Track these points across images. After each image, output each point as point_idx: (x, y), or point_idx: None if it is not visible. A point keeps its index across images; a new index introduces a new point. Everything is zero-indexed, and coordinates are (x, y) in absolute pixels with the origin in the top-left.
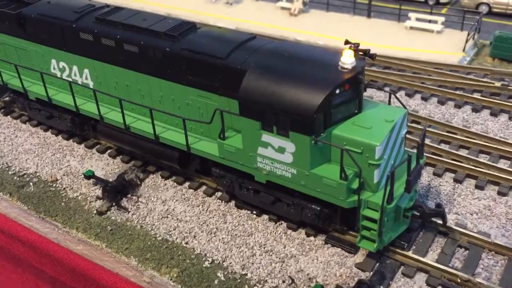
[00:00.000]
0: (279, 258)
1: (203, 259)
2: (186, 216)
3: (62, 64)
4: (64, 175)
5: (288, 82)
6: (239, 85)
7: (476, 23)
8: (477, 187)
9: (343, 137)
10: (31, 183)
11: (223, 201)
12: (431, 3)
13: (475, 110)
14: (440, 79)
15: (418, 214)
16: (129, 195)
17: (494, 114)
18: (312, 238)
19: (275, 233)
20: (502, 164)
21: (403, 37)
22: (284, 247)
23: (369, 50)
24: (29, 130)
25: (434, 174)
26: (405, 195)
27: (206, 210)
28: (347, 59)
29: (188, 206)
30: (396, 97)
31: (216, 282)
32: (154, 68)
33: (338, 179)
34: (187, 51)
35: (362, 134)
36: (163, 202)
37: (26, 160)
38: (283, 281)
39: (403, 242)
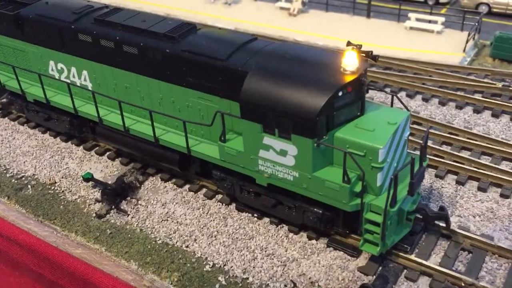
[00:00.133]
0: (281, 262)
1: (204, 263)
2: (187, 219)
3: (60, 65)
4: (62, 177)
5: (290, 84)
6: (240, 87)
7: (477, 23)
8: (480, 189)
9: (345, 140)
10: (29, 186)
11: (223, 204)
12: (430, 3)
13: (477, 111)
14: (441, 80)
15: (421, 217)
16: (128, 198)
17: (495, 115)
18: (314, 241)
19: (277, 236)
20: (505, 166)
21: (403, 38)
22: (286, 251)
23: (372, 51)
24: (27, 132)
25: (436, 176)
26: (408, 198)
27: (207, 213)
28: (350, 61)
29: (188, 209)
30: (399, 99)
31: (217, 286)
32: (154, 69)
33: (341, 182)
34: (188, 52)
35: (365, 137)
36: (163, 205)
37: (24, 162)
38: (285, 285)
39: (406, 245)
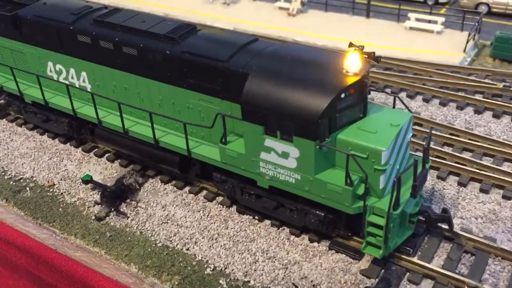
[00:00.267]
0: (282, 265)
1: (205, 266)
2: (187, 221)
3: (59, 66)
4: (61, 179)
5: (292, 85)
6: (241, 88)
7: (477, 24)
8: (482, 190)
9: (348, 142)
10: (27, 188)
11: (224, 206)
12: (430, 3)
13: (478, 111)
14: (441, 80)
15: (423, 219)
16: (128, 200)
17: (496, 115)
18: (315, 244)
19: (278, 238)
20: (506, 167)
21: (403, 38)
22: (287, 253)
23: (374, 53)
24: (25, 133)
25: (438, 177)
26: (410, 200)
27: (207, 216)
28: (352, 62)
29: (188, 211)
30: (401, 101)
31: None
32: (154, 71)
33: (343, 184)
34: (188, 54)
35: (367, 139)
36: (163, 207)
37: (22, 164)
38: None
39: (408, 248)
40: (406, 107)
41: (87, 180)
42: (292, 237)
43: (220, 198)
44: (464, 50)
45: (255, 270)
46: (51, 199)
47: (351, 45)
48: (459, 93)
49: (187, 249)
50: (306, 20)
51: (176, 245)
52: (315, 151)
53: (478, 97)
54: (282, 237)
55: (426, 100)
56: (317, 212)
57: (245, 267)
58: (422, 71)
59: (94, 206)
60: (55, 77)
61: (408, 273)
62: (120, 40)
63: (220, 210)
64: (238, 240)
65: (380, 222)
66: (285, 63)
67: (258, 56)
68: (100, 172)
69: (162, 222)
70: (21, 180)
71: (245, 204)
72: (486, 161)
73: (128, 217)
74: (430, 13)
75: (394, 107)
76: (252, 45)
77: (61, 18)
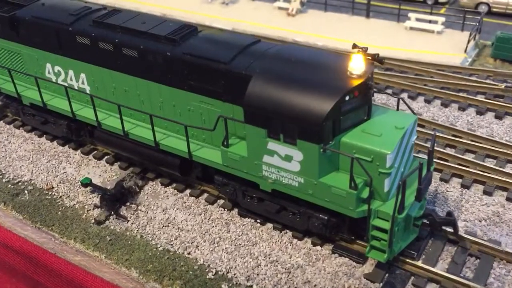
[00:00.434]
0: (285, 269)
1: (207, 270)
2: (188, 225)
3: (57, 68)
4: (60, 182)
5: (295, 88)
6: (244, 91)
7: (477, 24)
8: (485, 192)
9: (352, 145)
10: (26, 191)
11: (225, 209)
12: (429, 2)
13: (480, 112)
14: (443, 81)
15: (428, 222)
16: (128, 204)
17: (498, 116)
18: (318, 247)
19: (280, 242)
20: (509, 168)
21: (403, 38)
22: (290, 257)
23: (378, 54)
24: (23, 135)
25: (441, 179)
26: (415, 204)
27: (208, 219)
28: (357, 64)
29: (189, 214)
30: (406, 103)
31: None
32: (154, 73)
33: (347, 188)
34: (189, 55)
35: (372, 142)
36: (163, 211)
37: (21, 167)
38: None
39: (412, 252)
40: (410, 109)
41: (87, 183)
42: (295, 240)
43: (221, 201)
44: (465, 51)
45: (257, 274)
46: (50, 203)
47: (354, 46)
48: (461, 94)
49: (189, 253)
50: (306, 20)
51: (177, 249)
52: (319, 155)
53: (480, 98)
54: (285, 240)
55: (427, 101)
56: (320, 215)
57: (247, 271)
58: (423, 71)
59: (93, 209)
60: (53, 78)
61: (412, 277)
62: (120, 42)
63: (222, 213)
64: (240, 244)
65: (384, 225)
66: (288, 65)
67: (260, 58)
68: (100, 175)
69: (163, 226)
70: (19, 183)
71: (247, 207)
72: (489, 163)
73: (128, 221)
74: (431, 13)
75: (397, 109)
76: (254, 46)
77: (59, 19)
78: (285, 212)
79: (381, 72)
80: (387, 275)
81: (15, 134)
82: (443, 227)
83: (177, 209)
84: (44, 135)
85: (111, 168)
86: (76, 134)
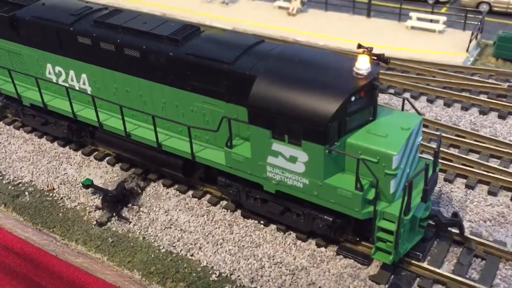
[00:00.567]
0: (289, 271)
1: (210, 272)
2: (191, 226)
3: (58, 68)
4: (61, 183)
5: (300, 88)
6: (248, 91)
7: (479, 23)
8: (490, 193)
9: (358, 146)
10: (26, 193)
11: (228, 211)
12: (430, 2)
13: (483, 112)
14: (445, 81)
15: (433, 223)
16: (129, 205)
17: (502, 116)
18: (323, 249)
19: (284, 244)
20: None
21: (404, 37)
22: (294, 259)
23: (383, 54)
24: (23, 136)
25: (445, 180)
26: (421, 205)
27: (211, 220)
28: (362, 65)
29: (192, 216)
30: (411, 103)
31: None
32: (157, 73)
33: (353, 189)
34: (192, 56)
35: (378, 143)
36: (165, 212)
37: (21, 168)
38: None
39: (418, 253)
40: (416, 109)
41: (88, 184)
42: (299, 242)
43: (224, 202)
44: (467, 50)
45: (261, 276)
46: (51, 204)
47: (360, 46)
48: (463, 94)
49: (192, 255)
50: (306, 19)
51: (180, 250)
52: (324, 156)
53: (482, 97)
54: (289, 242)
55: (430, 101)
56: (325, 217)
57: (251, 273)
58: (425, 71)
59: (95, 211)
60: (54, 79)
61: (418, 279)
62: (122, 42)
63: (225, 215)
64: (243, 246)
65: (390, 227)
66: (293, 65)
67: (264, 58)
68: (101, 176)
69: (165, 227)
70: (20, 185)
71: (250, 208)
72: (493, 163)
73: (130, 222)
74: (432, 12)
75: (402, 109)
76: (258, 46)
77: (60, 19)
78: (289, 213)
79: (383, 72)
80: (392, 276)
81: (15, 135)
82: (449, 228)
83: (180, 210)
84: (44, 136)
85: (112, 169)
86: (77, 135)
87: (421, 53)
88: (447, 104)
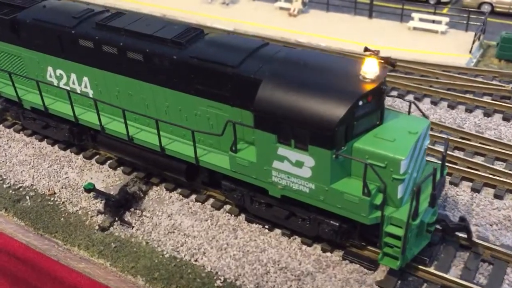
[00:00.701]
0: (295, 276)
1: (215, 277)
2: (194, 231)
3: (59, 71)
4: (62, 188)
5: (307, 92)
6: (253, 95)
7: (482, 24)
8: (496, 196)
9: (365, 151)
10: (27, 197)
11: (232, 215)
12: (432, 2)
13: (487, 114)
14: (449, 82)
15: (440, 228)
16: (132, 209)
17: (506, 118)
18: (328, 254)
19: (289, 248)
20: None
21: (407, 38)
22: (300, 264)
23: (390, 57)
24: (23, 140)
25: (451, 183)
26: (428, 209)
27: (215, 225)
28: (370, 68)
29: (195, 220)
30: (417, 107)
31: None
32: (160, 76)
33: (360, 194)
34: (196, 59)
35: (385, 147)
36: (168, 216)
37: (21, 172)
38: None
39: (424, 258)
40: (423, 113)
41: (90, 188)
42: (304, 246)
43: (228, 207)
44: (470, 51)
45: (266, 282)
46: (52, 209)
47: (366, 49)
48: (467, 95)
49: (196, 260)
50: (307, 20)
51: (184, 256)
52: (331, 161)
53: (486, 99)
54: (294, 246)
55: (434, 103)
56: (331, 222)
57: (256, 279)
58: (428, 72)
59: (97, 215)
60: (55, 82)
61: (425, 284)
62: (124, 45)
63: (229, 219)
64: (248, 250)
65: (398, 232)
66: (299, 69)
67: (270, 62)
68: (103, 180)
69: (169, 232)
70: (21, 189)
71: (255, 213)
72: (499, 166)
73: (133, 227)
74: (434, 13)
75: (409, 113)
76: (263, 49)
77: (62, 22)
78: (294, 218)
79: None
80: (399, 282)
81: (15, 139)
82: (456, 233)
83: (183, 214)
84: (45, 140)
85: (114, 173)
86: (78, 138)
87: (424, 54)
88: (451, 106)
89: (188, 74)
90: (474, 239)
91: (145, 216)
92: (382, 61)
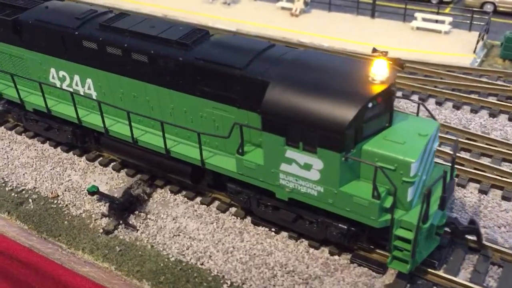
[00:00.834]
0: (303, 279)
1: (221, 281)
2: (200, 234)
3: (62, 73)
4: (65, 190)
5: (316, 94)
6: (260, 97)
7: (486, 23)
8: (504, 198)
9: (374, 153)
10: (30, 200)
11: (238, 218)
12: (434, 2)
13: (492, 115)
14: (453, 83)
15: (450, 231)
16: (136, 212)
17: None
18: (336, 257)
19: (297, 252)
20: None
21: (410, 38)
22: (307, 267)
23: (399, 58)
24: (25, 142)
25: (458, 185)
26: (437, 212)
27: (221, 228)
28: (379, 70)
29: (201, 223)
30: (426, 108)
31: None
32: (165, 78)
33: (370, 197)
34: (202, 60)
35: (395, 150)
36: (173, 219)
37: (24, 174)
38: None
39: (434, 261)
40: (432, 115)
41: (94, 191)
42: (312, 250)
43: (233, 209)
44: (474, 51)
45: (274, 286)
46: (56, 212)
47: (374, 50)
48: (472, 96)
49: (202, 264)
50: (309, 20)
51: (190, 259)
52: (340, 163)
53: (492, 99)
54: (301, 250)
55: (439, 103)
56: (339, 225)
57: (263, 283)
58: (432, 72)
59: (101, 218)
60: (58, 84)
61: (434, 287)
62: (129, 46)
63: (235, 222)
64: (254, 254)
65: (408, 235)
66: (307, 71)
67: (277, 63)
68: (106, 183)
69: (174, 235)
70: (23, 192)
71: (261, 216)
72: (506, 167)
73: (137, 230)
74: (437, 13)
75: (417, 114)
76: (270, 51)
77: (65, 23)
78: (302, 220)
79: None
80: (408, 285)
81: (17, 141)
82: (466, 236)
83: (188, 217)
84: (47, 142)
85: (118, 175)
86: (81, 140)
87: (428, 54)
88: (456, 107)
89: (193, 75)
90: (483, 241)
91: (149, 219)
92: (391, 62)
